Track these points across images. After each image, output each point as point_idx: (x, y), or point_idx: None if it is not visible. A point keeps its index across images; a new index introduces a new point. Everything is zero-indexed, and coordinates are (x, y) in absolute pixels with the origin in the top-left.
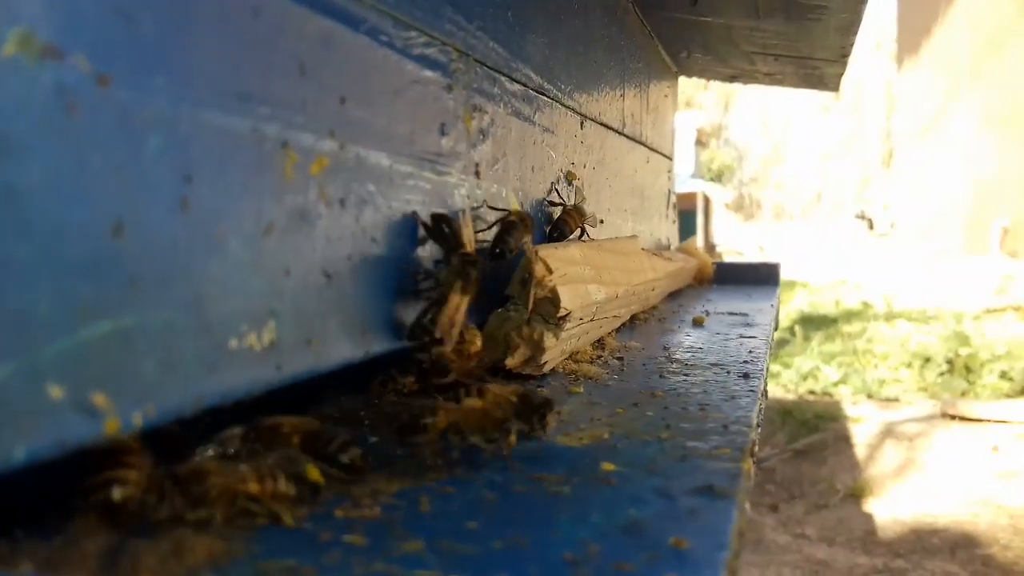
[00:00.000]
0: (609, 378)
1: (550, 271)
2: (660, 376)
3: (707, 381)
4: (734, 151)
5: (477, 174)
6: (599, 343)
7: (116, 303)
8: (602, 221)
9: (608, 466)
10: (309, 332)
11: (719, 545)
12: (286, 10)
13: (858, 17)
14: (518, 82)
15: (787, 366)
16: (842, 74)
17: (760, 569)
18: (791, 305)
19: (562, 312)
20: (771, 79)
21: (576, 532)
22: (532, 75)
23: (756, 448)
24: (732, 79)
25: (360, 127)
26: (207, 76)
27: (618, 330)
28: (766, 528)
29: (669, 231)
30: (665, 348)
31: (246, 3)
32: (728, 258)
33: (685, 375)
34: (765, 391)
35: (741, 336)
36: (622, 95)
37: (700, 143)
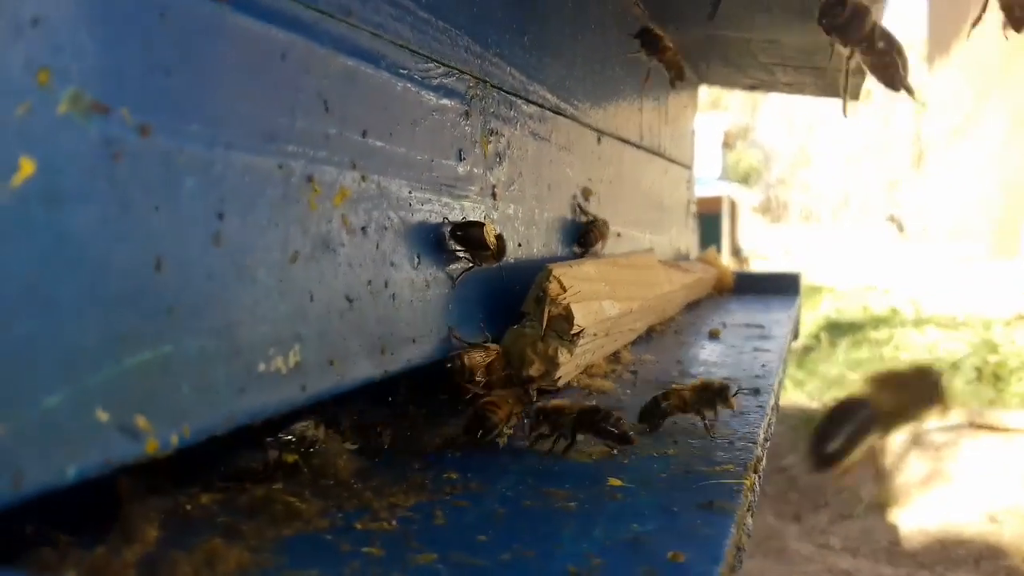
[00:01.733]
0: (622, 392)
1: (564, 289)
2: None
3: None
4: (761, 153)
5: (494, 195)
6: (614, 357)
7: (155, 333)
8: (619, 234)
9: (615, 481)
10: (331, 353)
11: (714, 559)
12: (311, 52)
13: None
14: (534, 103)
15: (812, 373)
16: (861, 84)
17: None
18: (818, 311)
19: (575, 329)
20: (791, 88)
21: (580, 546)
22: (548, 96)
23: (762, 463)
24: (752, 88)
25: (381, 157)
26: (238, 119)
27: (634, 343)
28: (789, 538)
29: (689, 241)
30: (679, 362)
31: (274, 48)
32: (754, 262)
33: None
34: (776, 405)
35: (756, 349)
36: (640, 108)
37: (727, 145)
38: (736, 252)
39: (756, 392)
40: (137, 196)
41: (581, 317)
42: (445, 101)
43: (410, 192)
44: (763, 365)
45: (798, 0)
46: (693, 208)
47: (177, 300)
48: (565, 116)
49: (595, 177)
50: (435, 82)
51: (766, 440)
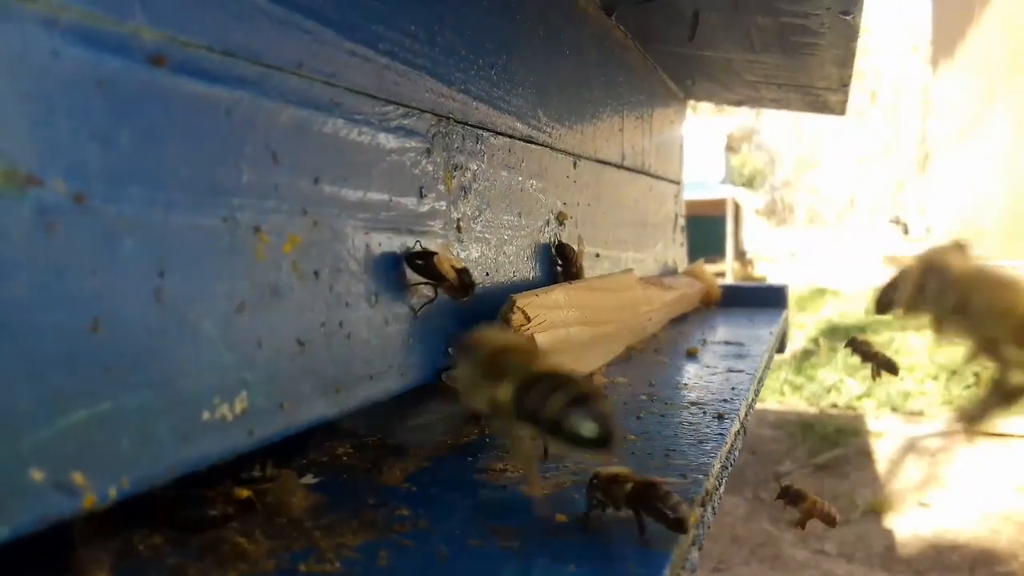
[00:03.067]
0: None
1: (528, 319)
2: (637, 417)
3: (680, 423)
4: (766, 155)
5: (459, 228)
6: (588, 378)
7: (91, 391)
8: (598, 255)
9: (561, 518)
10: (281, 396)
11: None
12: (258, 105)
13: (851, 52)
14: (503, 135)
15: (811, 379)
16: (846, 101)
17: None
18: (819, 314)
19: None
20: (777, 104)
21: None
22: (518, 125)
23: (716, 494)
24: (739, 103)
25: (334, 202)
26: (179, 179)
27: (612, 364)
28: (784, 543)
29: (676, 254)
30: (651, 384)
31: (218, 107)
32: (759, 265)
33: (662, 416)
34: (743, 429)
35: (729, 370)
36: (621, 129)
37: (731, 148)
38: (741, 255)
39: (720, 418)
40: (72, 262)
41: (547, 346)
42: (405, 142)
43: (367, 233)
44: (733, 388)
45: (774, 24)
46: (682, 222)
47: (115, 358)
48: (537, 144)
49: (571, 201)
50: (394, 124)
51: (724, 468)
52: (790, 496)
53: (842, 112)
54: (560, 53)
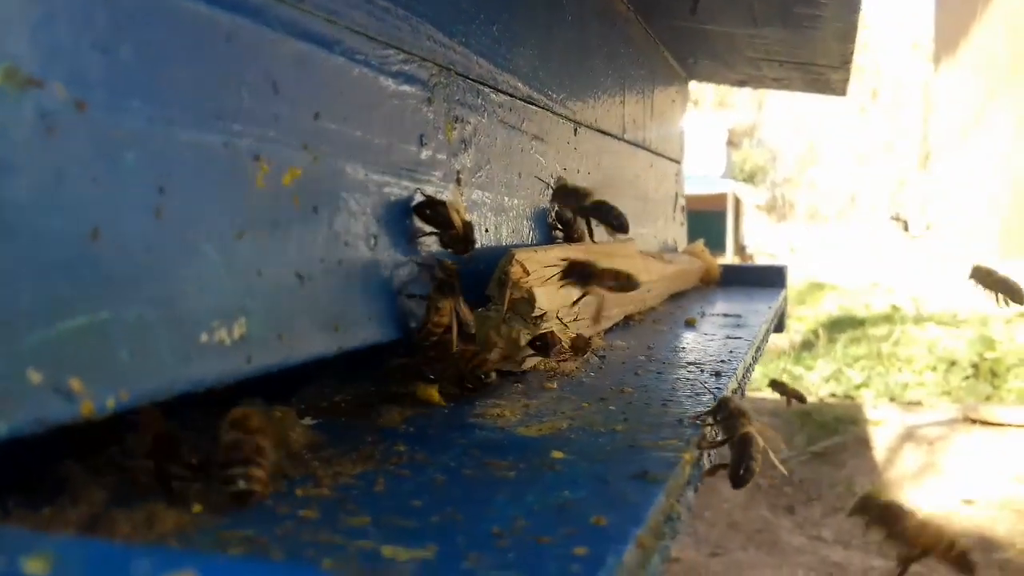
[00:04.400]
0: (585, 375)
1: (527, 273)
2: (635, 374)
3: (678, 379)
4: (767, 151)
5: (458, 181)
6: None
7: (91, 299)
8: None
9: (557, 454)
10: (280, 328)
11: (635, 521)
12: (259, 34)
13: (852, 25)
14: (504, 92)
15: (810, 369)
16: (847, 80)
17: (774, 570)
18: (819, 307)
19: (537, 312)
20: (779, 84)
21: (509, 510)
22: (520, 86)
23: (709, 440)
24: (741, 84)
25: (334, 140)
26: (181, 97)
27: (610, 330)
28: (782, 530)
29: (676, 233)
30: (649, 348)
31: (218, 31)
32: (759, 260)
33: (659, 373)
34: (741, 389)
35: (728, 337)
36: (622, 101)
37: (732, 143)
38: (741, 250)
39: (717, 375)
40: (73, 168)
41: (544, 301)
42: (405, 87)
43: (366, 175)
44: (731, 351)
45: None
46: (682, 202)
47: (114, 269)
48: (538, 106)
49: (571, 167)
50: (394, 68)
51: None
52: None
53: (843, 92)
54: (562, 20)
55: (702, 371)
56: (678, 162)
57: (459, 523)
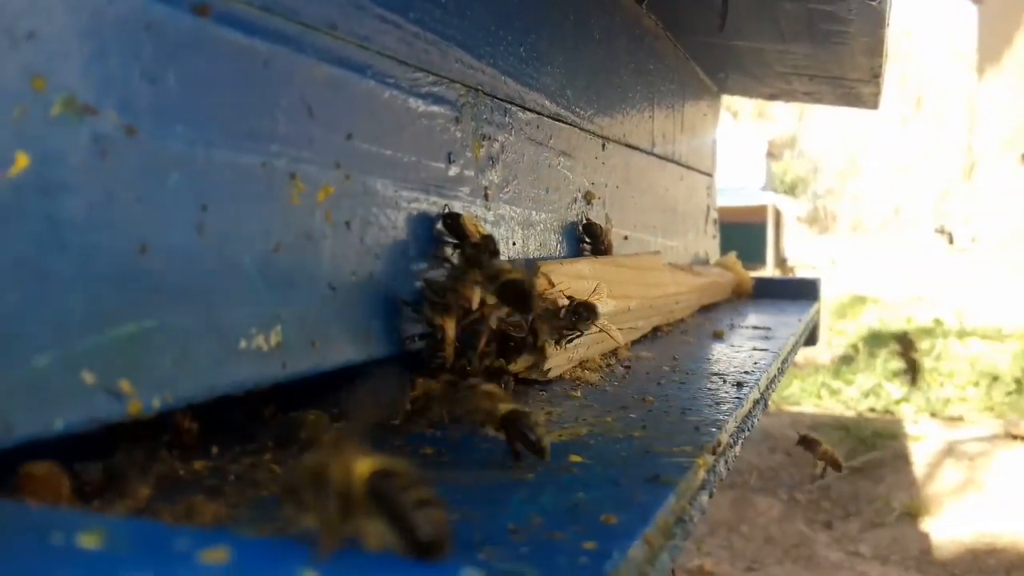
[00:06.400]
0: (608, 384)
1: (552, 284)
2: (658, 384)
3: (700, 389)
4: (808, 163)
5: (486, 196)
6: (613, 353)
7: (139, 309)
8: (626, 237)
9: (575, 458)
10: (313, 336)
11: (643, 520)
12: (294, 61)
13: (880, 40)
14: (531, 110)
15: (849, 383)
16: (878, 93)
17: None
18: (860, 321)
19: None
20: (810, 97)
21: (525, 509)
22: (547, 103)
23: (727, 449)
24: (772, 97)
25: (366, 158)
26: (221, 120)
27: (638, 341)
28: (819, 545)
29: (708, 245)
30: (674, 358)
31: (256, 58)
32: (800, 272)
33: (683, 383)
34: (763, 400)
35: (754, 349)
36: (651, 117)
37: (772, 155)
38: (781, 262)
39: (739, 386)
40: (122, 188)
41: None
42: (434, 108)
43: (396, 191)
44: (755, 363)
45: (803, 11)
46: (714, 215)
47: (160, 281)
48: (565, 123)
49: (599, 182)
50: (423, 90)
51: (741, 430)
52: (807, 443)
53: (875, 106)
54: (590, 38)
55: (725, 381)
56: (710, 175)
57: (477, 521)
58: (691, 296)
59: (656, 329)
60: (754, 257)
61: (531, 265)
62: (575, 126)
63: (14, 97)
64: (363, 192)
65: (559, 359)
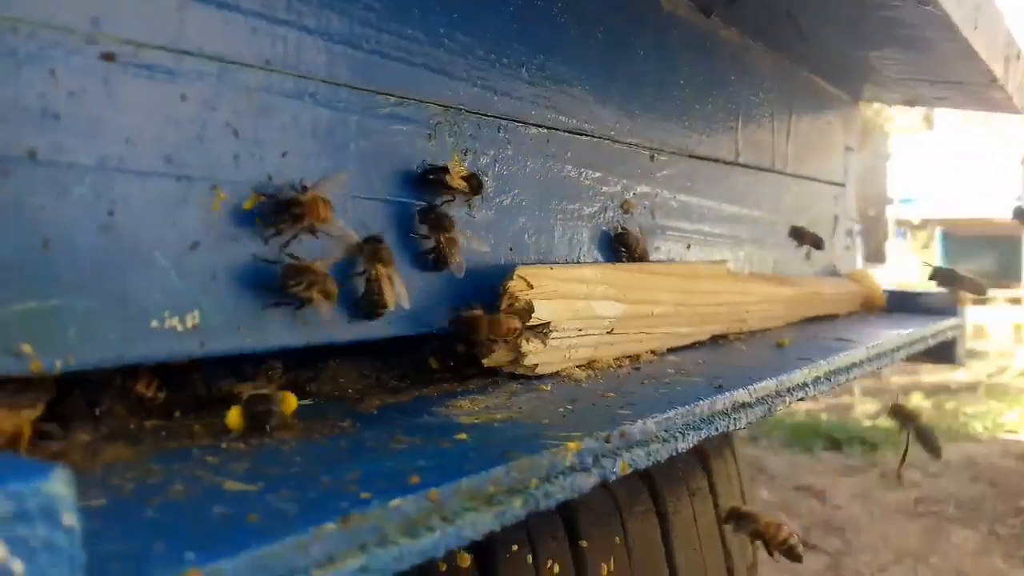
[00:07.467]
0: (590, 382)
1: (530, 286)
2: (641, 383)
3: (677, 389)
4: None
5: (468, 204)
6: (636, 356)
7: (42, 291)
8: (688, 247)
9: (461, 436)
10: (238, 321)
11: (447, 479)
12: (218, 92)
13: (963, 44)
14: (538, 126)
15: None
16: (1010, 98)
17: None
18: None
19: (534, 322)
20: (944, 102)
21: (352, 468)
22: (562, 119)
23: (633, 440)
24: (908, 103)
25: (303, 174)
26: (131, 146)
27: (691, 347)
28: None
29: (837, 257)
30: (699, 363)
31: (172, 92)
32: None
33: (667, 383)
34: (744, 404)
35: (798, 358)
36: (732, 126)
37: None
38: None
39: (719, 388)
40: (25, 199)
41: (548, 313)
42: (397, 126)
43: (346, 200)
44: (775, 369)
45: (873, 18)
46: (849, 225)
47: (63, 271)
48: (593, 136)
49: (646, 192)
50: (383, 111)
51: (692, 428)
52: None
53: (1013, 110)
54: (629, 54)
55: (711, 384)
56: (840, 184)
57: (310, 476)
58: (771, 306)
59: (716, 337)
60: (1009, 274)
61: (508, 269)
62: (606, 139)
63: None
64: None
65: (550, 356)
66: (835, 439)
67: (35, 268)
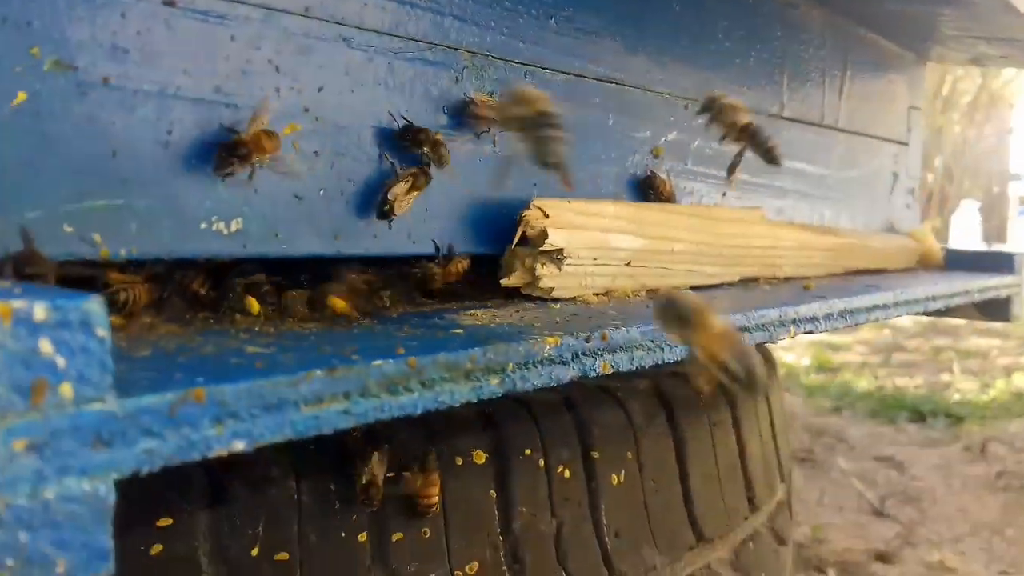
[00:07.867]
0: (599, 306)
1: (546, 216)
2: (646, 307)
3: None
4: None
5: (495, 143)
6: (655, 290)
7: (110, 192)
8: (724, 194)
9: (455, 331)
10: (276, 228)
11: (423, 353)
12: (262, 34)
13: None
14: (566, 73)
15: None
16: None
17: None
18: None
19: (547, 247)
20: (1007, 61)
21: (350, 345)
22: (590, 66)
23: (612, 343)
24: (973, 63)
25: (338, 106)
26: (187, 76)
27: (718, 286)
28: None
29: (895, 215)
30: (713, 297)
31: (222, 33)
32: None
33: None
34: (740, 328)
35: (816, 297)
36: (778, 81)
37: None
38: None
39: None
40: (100, 116)
41: (562, 240)
42: (426, 70)
43: (372, 131)
44: (781, 303)
45: None
46: (909, 184)
47: (129, 176)
48: (620, 84)
49: (676, 139)
50: (411, 55)
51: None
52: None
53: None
54: (664, 5)
55: None
56: (902, 143)
57: (317, 347)
58: (809, 254)
59: (748, 281)
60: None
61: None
62: (637, 87)
63: (16, 61)
64: (335, 131)
65: (566, 282)
66: (920, 411)
67: (106, 172)
